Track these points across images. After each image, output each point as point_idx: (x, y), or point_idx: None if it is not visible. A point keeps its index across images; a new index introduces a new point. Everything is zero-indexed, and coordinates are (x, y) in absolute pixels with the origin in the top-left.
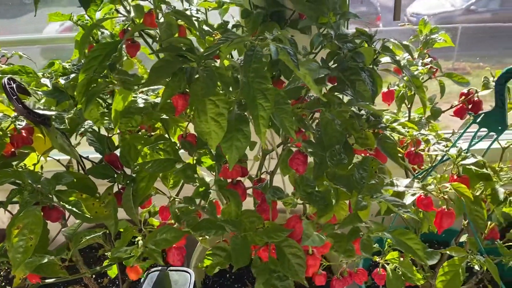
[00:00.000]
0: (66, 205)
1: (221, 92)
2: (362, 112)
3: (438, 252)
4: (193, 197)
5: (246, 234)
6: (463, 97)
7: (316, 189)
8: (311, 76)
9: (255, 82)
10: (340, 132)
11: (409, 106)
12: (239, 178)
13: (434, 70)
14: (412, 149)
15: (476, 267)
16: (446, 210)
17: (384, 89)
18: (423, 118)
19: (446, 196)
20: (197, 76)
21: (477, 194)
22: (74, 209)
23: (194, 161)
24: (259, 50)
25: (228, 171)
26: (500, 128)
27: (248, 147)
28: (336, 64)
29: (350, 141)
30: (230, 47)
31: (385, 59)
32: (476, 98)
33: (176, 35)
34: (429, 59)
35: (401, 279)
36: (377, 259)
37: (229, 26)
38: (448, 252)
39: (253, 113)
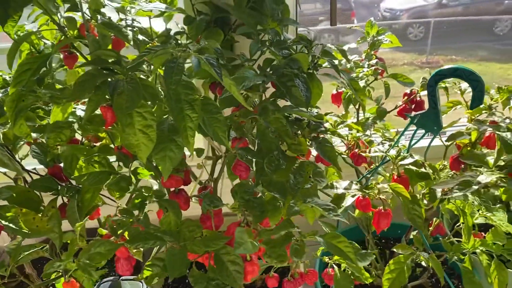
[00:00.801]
0: (2, 221)
1: (149, 103)
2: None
3: (371, 253)
4: (130, 209)
5: (184, 243)
6: (406, 97)
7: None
8: (235, 87)
9: (181, 93)
10: (274, 139)
11: (357, 107)
12: (182, 187)
13: (380, 71)
14: (356, 150)
15: (424, 263)
16: (383, 210)
17: (334, 91)
18: (369, 119)
19: (383, 197)
20: (121, 89)
21: (420, 192)
22: (11, 224)
23: (130, 173)
24: (181, 62)
25: (167, 180)
26: (435, 128)
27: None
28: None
29: (283, 148)
30: (160, 59)
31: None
32: (418, 98)
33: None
34: (375, 60)
35: (349, 279)
36: (326, 259)
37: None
38: (395, 249)
39: (180, 125)
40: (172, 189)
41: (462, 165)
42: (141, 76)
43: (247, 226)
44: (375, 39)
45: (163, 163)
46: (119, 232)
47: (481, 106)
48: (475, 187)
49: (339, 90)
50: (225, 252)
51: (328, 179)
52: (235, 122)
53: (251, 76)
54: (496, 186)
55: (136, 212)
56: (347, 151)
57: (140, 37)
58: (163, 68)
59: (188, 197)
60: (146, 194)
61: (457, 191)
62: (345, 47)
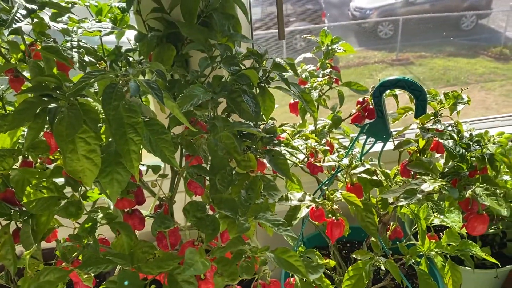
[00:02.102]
0: None
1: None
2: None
3: (322, 265)
4: (80, 234)
5: (138, 265)
6: (358, 105)
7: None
8: (178, 109)
9: (124, 117)
10: (223, 157)
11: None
12: (137, 206)
13: (335, 80)
14: (312, 159)
15: (383, 267)
16: (335, 220)
17: (291, 101)
18: (326, 127)
19: (336, 207)
20: (61, 115)
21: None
22: None
23: (79, 197)
24: (120, 87)
25: (120, 202)
26: (384, 136)
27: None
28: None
29: (232, 165)
30: (104, 82)
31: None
32: (371, 106)
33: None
34: (329, 69)
35: (310, 287)
36: None
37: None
38: (354, 256)
39: (123, 149)
40: (126, 210)
41: (412, 172)
42: (83, 101)
43: (201, 243)
44: (329, 48)
45: (110, 187)
46: (70, 257)
47: (428, 113)
48: (419, 195)
49: (295, 100)
50: (179, 272)
51: (289, 189)
52: (186, 139)
53: (199, 93)
54: (440, 193)
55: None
56: (304, 161)
57: (87, 58)
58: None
59: (143, 217)
60: (96, 218)
61: (403, 199)
62: (301, 57)
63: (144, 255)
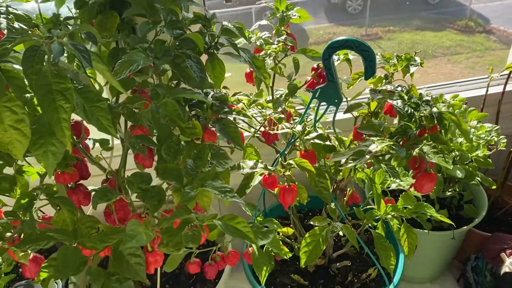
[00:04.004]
0: None
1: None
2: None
3: (272, 230)
4: (15, 210)
5: (81, 240)
6: (313, 72)
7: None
8: (109, 72)
9: (52, 83)
10: (166, 124)
11: (270, 85)
12: (82, 182)
13: (289, 47)
14: (267, 128)
15: (341, 233)
16: (287, 186)
17: (247, 70)
18: (282, 96)
19: (289, 173)
20: None
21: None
22: None
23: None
24: (43, 50)
25: (60, 176)
26: (336, 101)
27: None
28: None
29: (175, 133)
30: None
31: (240, 40)
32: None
33: None
34: (284, 36)
35: (268, 256)
36: None
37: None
38: (311, 222)
39: (52, 117)
40: (69, 185)
41: (364, 135)
42: (8, 68)
43: (148, 216)
44: (284, 14)
45: (45, 159)
46: (7, 235)
47: (380, 76)
48: (367, 156)
49: (251, 69)
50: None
51: (247, 159)
52: (128, 108)
53: (140, 59)
54: (388, 154)
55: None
56: (259, 131)
57: (17, 24)
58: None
59: (88, 191)
60: (34, 194)
61: (351, 161)
62: (256, 25)
63: (87, 230)
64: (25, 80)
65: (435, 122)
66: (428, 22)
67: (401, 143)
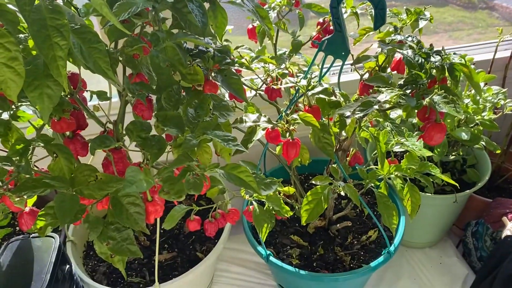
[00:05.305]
0: None
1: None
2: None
3: (275, 181)
4: (10, 156)
5: (78, 188)
6: (319, 26)
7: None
8: (108, 8)
9: (47, 18)
10: (166, 69)
11: (274, 42)
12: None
13: (294, 1)
14: (270, 84)
15: (343, 193)
16: (290, 140)
17: (250, 26)
18: (286, 52)
19: (292, 127)
20: None
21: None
22: None
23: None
24: None
25: (57, 124)
26: (343, 53)
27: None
28: None
29: (176, 78)
30: None
31: None
32: (331, 27)
33: None
34: None
35: (268, 214)
36: (246, 197)
37: None
38: (313, 181)
39: (47, 55)
40: (67, 135)
41: (371, 90)
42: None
43: (147, 165)
44: None
45: (40, 102)
46: (3, 180)
47: (389, 30)
48: (376, 106)
49: (254, 24)
50: (124, 194)
51: None
52: (126, 54)
53: (139, 1)
54: (398, 106)
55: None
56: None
57: None
58: None
59: (85, 141)
60: (29, 139)
61: (359, 112)
62: None
63: (85, 178)
64: (18, 15)
65: (446, 73)
66: None
67: (410, 94)
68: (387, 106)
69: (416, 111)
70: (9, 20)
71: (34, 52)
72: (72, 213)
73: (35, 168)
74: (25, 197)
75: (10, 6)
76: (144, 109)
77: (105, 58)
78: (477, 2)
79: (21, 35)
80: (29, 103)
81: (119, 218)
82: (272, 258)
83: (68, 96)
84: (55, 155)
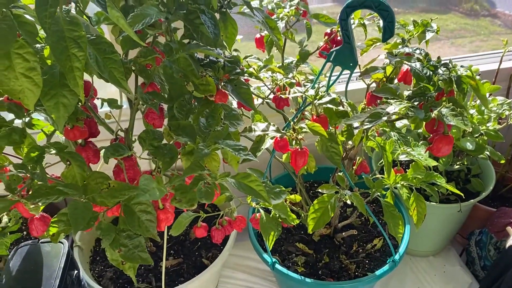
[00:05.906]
0: None
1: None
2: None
3: (284, 191)
4: (25, 163)
5: (91, 196)
6: (326, 37)
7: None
8: (124, 20)
9: (65, 30)
10: (179, 79)
11: (282, 52)
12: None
13: (302, 12)
14: (278, 93)
15: (349, 201)
16: (299, 149)
17: (257, 35)
18: (293, 62)
19: (300, 137)
20: None
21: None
22: None
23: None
24: None
25: (70, 132)
26: (351, 64)
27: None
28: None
29: (189, 88)
30: None
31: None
32: (339, 38)
33: None
34: (297, 1)
35: (275, 221)
36: (253, 204)
37: None
38: (320, 190)
39: (65, 66)
40: (79, 142)
41: (378, 101)
42: (19, 13)
43: (159, 174)
44: None
45: (56, 111)
46: (17, 188)
47: (396, 42)
48: (384, 118)
49: (262, 34)
50: (136, 202)
51: None
52: (139, 64)
53: (153, 12)
54: (406, 117)
55: None
56: (269, 97)
57: None
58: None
59: (97, 149)
60: (42, 147)
61: (368, 123)
62: None
63: (97, 186)
64: (36, 26)
65: (454, 86)
66: (433, 4)
67: (418, 106)
68: (395, 117)
69: (424, 123)
70: (28, 31)
71: (49, 62)
72: (85, 221)
73: (47, 175)
74: (40, 204)
75: (27, 16)
76: (156, 117)
77: (120, 68)
78: (479, 9)
79: (38, 45)
80: (42, 110)
81: (131, 226)
82: (278, 266)
83: (79, 104)
84: (68, 162)
